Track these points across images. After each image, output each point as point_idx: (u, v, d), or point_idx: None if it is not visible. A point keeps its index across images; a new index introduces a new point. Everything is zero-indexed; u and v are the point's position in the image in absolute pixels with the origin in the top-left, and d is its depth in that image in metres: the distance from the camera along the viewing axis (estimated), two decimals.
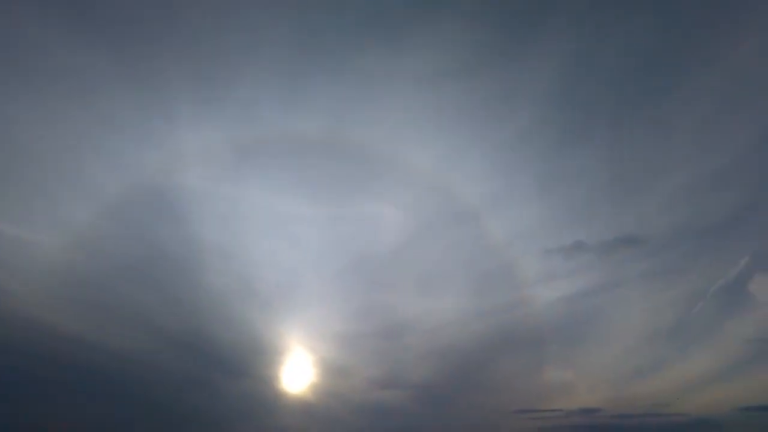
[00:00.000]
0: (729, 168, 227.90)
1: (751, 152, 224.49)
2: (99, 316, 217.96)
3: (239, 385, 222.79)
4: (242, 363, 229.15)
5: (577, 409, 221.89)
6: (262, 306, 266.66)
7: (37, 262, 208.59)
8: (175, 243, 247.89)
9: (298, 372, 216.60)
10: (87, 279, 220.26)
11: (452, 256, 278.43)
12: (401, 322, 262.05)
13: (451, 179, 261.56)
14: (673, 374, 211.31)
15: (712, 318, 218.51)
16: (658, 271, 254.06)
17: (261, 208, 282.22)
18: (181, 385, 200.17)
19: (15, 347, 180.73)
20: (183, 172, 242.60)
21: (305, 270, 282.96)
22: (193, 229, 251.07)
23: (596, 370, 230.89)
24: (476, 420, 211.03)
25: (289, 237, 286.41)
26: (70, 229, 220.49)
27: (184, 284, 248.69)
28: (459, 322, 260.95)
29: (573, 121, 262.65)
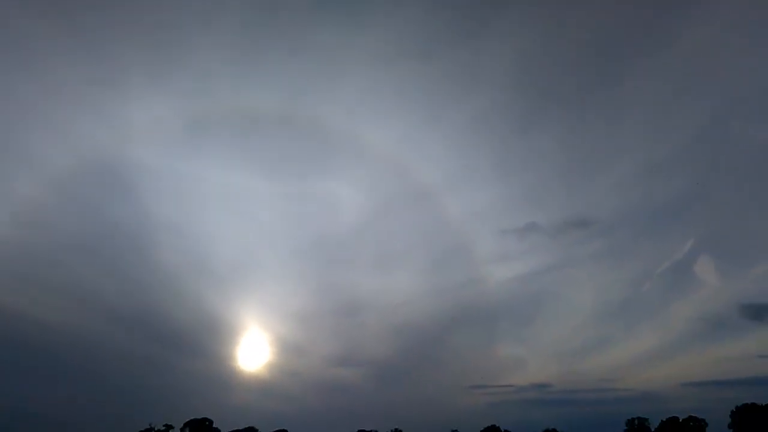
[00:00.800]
0: (678, 154, 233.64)
1: (699, 139, 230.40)
2: (47, 293, 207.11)
3: (194, 363, 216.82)
4: (196, 342, 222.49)
5: (528, 385, 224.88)
6: (217, 284, 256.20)
7: None
8: (126, 219, 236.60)
9: (254, 351, 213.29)
10: (34, 255, 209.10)
11: (409, 236, 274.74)
12: (358, 300, 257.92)
13: (409, 159, 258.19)
14: (620, 351, 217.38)
15: (658, 297, 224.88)
16: (608, 252, 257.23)
17: (215, 184, 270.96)
18: (133, 363, 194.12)
19: None
20: (134, 145, 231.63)
21: (261, 248, 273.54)
22: (144, 204, 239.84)
23: (547, 347, 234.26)
24: (431, 395, 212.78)
25: (244, 214, 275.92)
26: (15, 203, 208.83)
27: (136, 261, 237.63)
28: (415, 300, 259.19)
29: (530, 104, 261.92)
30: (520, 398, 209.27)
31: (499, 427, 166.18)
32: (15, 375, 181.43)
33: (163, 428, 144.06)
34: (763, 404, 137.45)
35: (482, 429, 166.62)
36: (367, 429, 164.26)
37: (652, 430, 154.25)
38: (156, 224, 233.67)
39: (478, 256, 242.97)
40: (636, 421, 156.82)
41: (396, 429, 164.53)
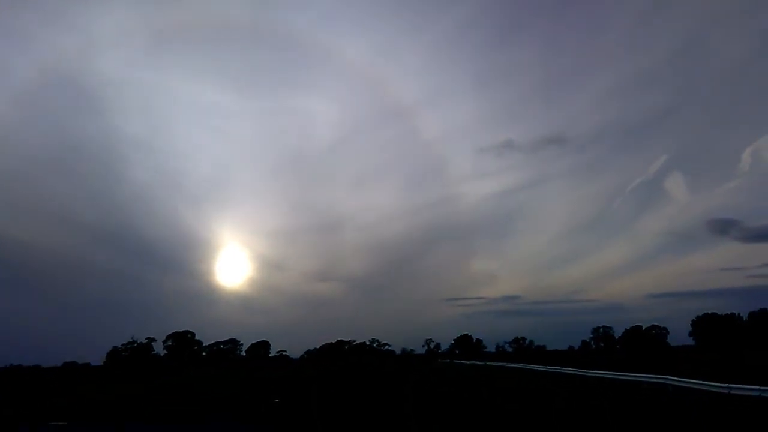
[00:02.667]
0: (655, 69, 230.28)
1: (677, 55, 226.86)
2: (18, 210, 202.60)
3: (172, 279, 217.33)
4: (174, 258, 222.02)
5: (499, 297, 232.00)
6: (191, 201, 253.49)
7: None
8: (93, 134, 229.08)
9: (234, 267, 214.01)
10: (2, 172, 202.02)
11: (387, 153, 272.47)
12: (336, 217, 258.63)
13: (386, 72, 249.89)
14: (588, 265, 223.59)
15: (628, 213, 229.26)
16: (582, 168, 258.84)
17: (184, 97, 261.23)
18: (110, 279, 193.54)
19: None
20: (98, 56, 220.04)
21: (236, 165, 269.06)
22: (111, 119, 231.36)
23: (519, 262, 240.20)
24: (408, 308, 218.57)
25: (216, 130, 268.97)
26: None
27: (106, 178, 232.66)
28: (393, 216, 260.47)
29: (511, 15, 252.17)
30: (491, 309, 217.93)
31: (471, 336, 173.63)
32: None
33: (146, 341, 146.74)
34: (723, 314, 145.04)
35: (455, 338, 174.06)
36: (346, 340, 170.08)
37: (616, 338, 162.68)
38: (124, 139, 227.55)
39: (454, 174, 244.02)
40: (601, 330, 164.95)
41: (374, 339, 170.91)
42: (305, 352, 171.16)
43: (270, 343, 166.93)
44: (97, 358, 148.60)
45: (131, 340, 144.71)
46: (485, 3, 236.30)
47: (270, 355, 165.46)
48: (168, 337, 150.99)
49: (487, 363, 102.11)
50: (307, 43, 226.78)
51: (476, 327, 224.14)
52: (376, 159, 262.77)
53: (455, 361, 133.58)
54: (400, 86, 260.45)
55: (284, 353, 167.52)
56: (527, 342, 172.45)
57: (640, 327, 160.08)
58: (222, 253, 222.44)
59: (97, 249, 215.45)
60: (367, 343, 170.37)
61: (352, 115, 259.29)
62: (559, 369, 60.90)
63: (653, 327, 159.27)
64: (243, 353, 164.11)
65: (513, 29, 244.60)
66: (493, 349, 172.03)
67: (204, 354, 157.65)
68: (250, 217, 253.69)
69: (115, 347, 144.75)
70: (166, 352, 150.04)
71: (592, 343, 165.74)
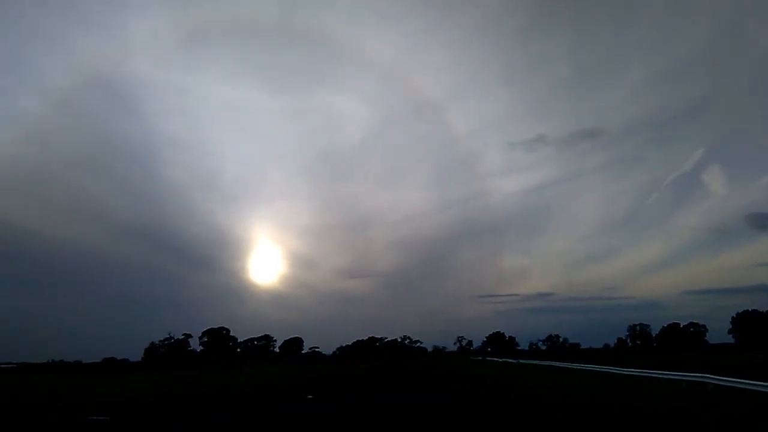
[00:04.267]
0: (689, 60, 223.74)
1: (711, 45, 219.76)
2: (53, 210, 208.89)
3: (208, 276, 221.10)
4: (209, 255, 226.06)
5: (532, 294, 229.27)
6: (225, 200, 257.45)
7: None
8: (130, 134, 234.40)
9: (266, 264, 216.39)
10: (40, 172, 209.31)
11: (416, 149, 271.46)
12: (366, 214, 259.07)
13: (414, 69, 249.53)
14: (624, 260, 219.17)
15: (664, 208, 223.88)
16: (615, 163, 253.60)
17: (216, 97, 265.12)
18: (147, 276, 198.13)
19: None
20: (134, 58, 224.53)
21: (268, 164, 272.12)
22: (148, 120, 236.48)
23: (552, 258, 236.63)
24: (439, 305, 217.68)
25: (249, 129, 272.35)
26: (19, 120, 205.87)
27: (143, 177, 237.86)
28: (423, 213, 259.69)
29: (540, 7, 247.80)
30: (524, 306, 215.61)
31: (503, 334, 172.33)
32: (29, 290, 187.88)
33: (182, 337, 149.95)
34: (764, 311, 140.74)
35: (488, 335, 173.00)
36: (377, 336, 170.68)
37: (653, 335, 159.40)
38: (161, 139, 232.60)
39: (485, 169, 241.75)
40: (638, 328, 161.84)
41: (405, 336, 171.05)
42: (337, 349, 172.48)
43: (303, 339, 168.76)
44: (135, 354, 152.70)
45: (168, 336, 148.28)
46: None
47: (303, 351, 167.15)
48: (204, 333, 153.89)
49: (520, 361, 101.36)
50: (336, 41, 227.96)
51: (509, 324, 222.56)
52: (406, 155, 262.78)
53: (487, 358, 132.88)
54: (429, 81, 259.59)
55: (317, 350, 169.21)
56: (561, 339, 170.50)
57: (678, 324, 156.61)
58: (255, 250, 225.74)
59: (133, 247, 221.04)
60: (399, 340, 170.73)
61: (381, 112, 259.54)
62: (595, 367, 60.06)
63: (691, 324, 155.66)
64: (276, 349, 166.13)
65: (542, 20, 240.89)
66: (527, 347, 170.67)
67: (239, 350, 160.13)
68: (282, 215, 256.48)
69: (152, 343, 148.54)
70: (201, 348, 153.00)
71: (629, 340, 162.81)
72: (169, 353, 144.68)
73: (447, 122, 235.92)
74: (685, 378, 37.79)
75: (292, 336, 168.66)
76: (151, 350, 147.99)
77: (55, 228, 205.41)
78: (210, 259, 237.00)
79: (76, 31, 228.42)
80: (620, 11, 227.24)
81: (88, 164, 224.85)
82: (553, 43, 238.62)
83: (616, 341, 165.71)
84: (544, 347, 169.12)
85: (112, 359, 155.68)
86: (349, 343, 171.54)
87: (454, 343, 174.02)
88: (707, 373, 35.69)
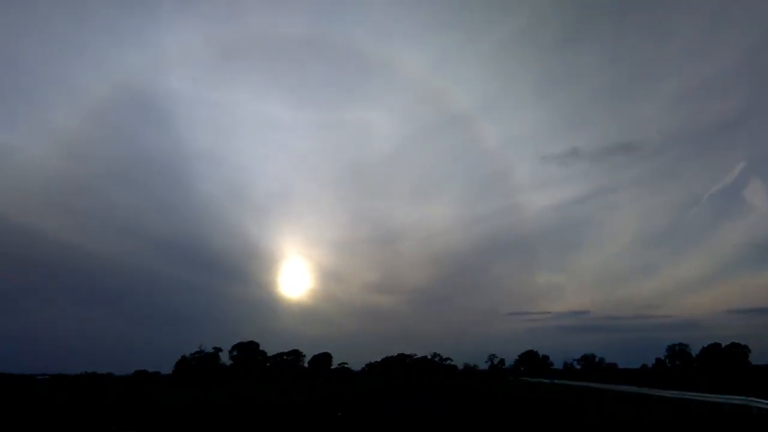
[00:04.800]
0: (730, 71, 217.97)
1: (750, 55, 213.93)
2: (87, 221, 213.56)
3: (238, 289, 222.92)
4: (239, 269, 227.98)
5: (566, 311, 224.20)
6: (255, 213, 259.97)
7: (23, 169, 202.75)
8: (162, 148, 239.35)
9: (295, 277, 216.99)
10: (76, 185, 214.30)
11: (446, 163, 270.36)
12: (395, 228, 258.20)
13: (444, 82, 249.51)
14: (662, 278, 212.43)
15: (705, 223, 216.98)
16: (653, 176, 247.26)
17: (247, 112, 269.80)
18: (178, 289, 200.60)
19: (4, 253, 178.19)
20: (166, 73, 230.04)
21: (297, 177, 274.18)
22: (179, 133, 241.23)
23: (587, 274, 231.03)
24: (470, 322, 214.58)
25: (278, 143, 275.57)
26: (54, 134, 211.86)
27: (174, 190, 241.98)
28: (453, 228, 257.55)
29: (572, 20, 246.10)
30: (558, 324, 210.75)
31: (536, 352, 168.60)
32: (62, 301, 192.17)
33: (213, 350, 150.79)
34: None
35: (520, 354, 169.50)
36: (407, 353, 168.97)
37: (693, 356, 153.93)
38: (192, 153, 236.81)
39: (517, 184, 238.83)
40: (677, 348, 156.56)
41: (435, 353, 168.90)
42: (366, 365, 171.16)
43: (332, 354, 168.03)
44: (166, 367, 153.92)
45: (199, 349, 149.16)
46: (542, 11, 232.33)
47: (332, 367, 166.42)
48: (234, 347, 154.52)
49: (555, 381, 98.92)
50: (365, 56, 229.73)
51: (542, 343, 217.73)
52: (435, 169, 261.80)
53: (520, 378, 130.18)
54: (459, 95, 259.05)
55: (345, 365, 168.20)
56: (597, 359, 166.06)
57: (719, 345, 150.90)
58: (284, 263, 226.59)
59: (165, 259, 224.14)
60: (429, 357, 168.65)
61: (410, 126, 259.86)
62: (632, 389, 57.91)
63: (733, 345, 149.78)
64: (305, 364, 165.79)
65: (576, 33, 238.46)
66: (561, 366, 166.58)
67: (268, 364, 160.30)
68: (311, 228, 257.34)
69: (183, 356, 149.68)
70: (231, 362, 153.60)
71: (667, 361, 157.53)
72: (199, 367, 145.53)
73: (478, 136, 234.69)
74: (728, 401, 35.96)
75: (320, 351, 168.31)
76: (182, 363, 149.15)
77: (89, 240, 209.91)
78: (240, 272, 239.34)
79: (111, 46, 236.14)
80: (656, 22, 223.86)
81: (122, 177, 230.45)
82: (587, 56, 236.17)
83: (654, 361, 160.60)
84: (578, 367, 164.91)
85: (144, 372, 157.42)
86: (378, 360, 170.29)
87: (486, 361, 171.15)
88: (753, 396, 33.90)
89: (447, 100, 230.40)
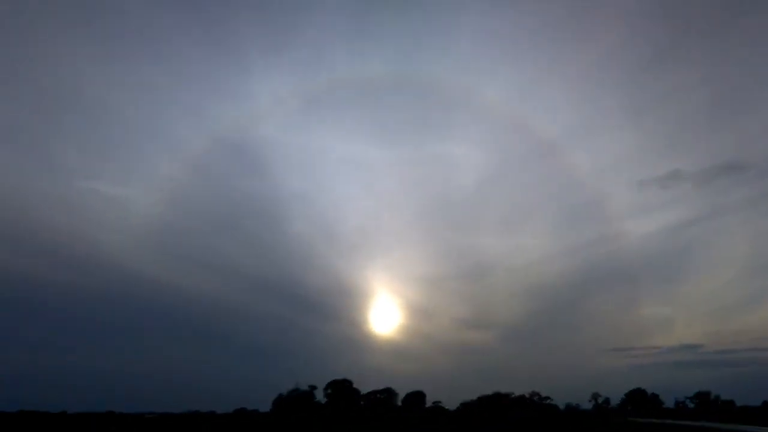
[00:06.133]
0: None
1: None
2: (189, 264, 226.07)
3: (330, 327, 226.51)
4: (331, 306, 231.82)
5: (676, 346, 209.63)
6: (345, 251, 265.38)
7: (132, 217, 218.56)
8: (258, 192, 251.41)
9: (385, 314, 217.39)
10: (178, 231, 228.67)
11: (535, 193, 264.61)
12: (485, 261, 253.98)
13: (529, 110, 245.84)
14: None
15: None
16: (764, 197, 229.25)
17: (336, 153, 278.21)
18: (273, 327, 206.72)
19: (113, 297, 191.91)
20: (259, 121, 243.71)
21: (385, 213, 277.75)
22: (273, 177, 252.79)
23: (696, 305, 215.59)
24: (569, 358, 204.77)
25: (365, 182, 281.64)
26: (160, 184, 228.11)
27: (270, 231, 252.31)
28: (545, 260, 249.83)
29: (665, 36, 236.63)
30: (667, 360, 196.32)
31: (645, 390, 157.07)
32: (167, 341, 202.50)
33: (308, 388, 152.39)
34: None
35: (627, 392, 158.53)
36: (502, 391, 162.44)
37: None
38: (285, 195, 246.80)
39: (613, 211, 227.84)
40: None
41: (534, 392, 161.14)
42: (461, 404, 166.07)
43: (425, 393, 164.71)
44: (264, 404, 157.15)
45: (295, 387, 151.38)
46: (633, 26, 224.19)
47: (426, 405, 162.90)
48: (328, 385, 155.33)
49: (666, 421, 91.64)
50: (446, 90, 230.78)
51: (650, 380, 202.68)
52: (524, 200, 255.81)
53: (629, 418, 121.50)
54: (546, 122, 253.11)
55: (439, 404, 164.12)
56: (712, 397, 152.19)
57: None
58: (373, 300, 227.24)
59: (260, 298, 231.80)
60: (527, 396, 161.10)
61: (495, 157, 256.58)
62: (754, 429, 51.74)
63: None
64: (399, 403, 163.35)
65: (670, 50, 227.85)
66: (672, 405, 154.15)
67: (362, 402, 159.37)
68: (399, 264, 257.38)
69: (280, 394, 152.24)
70: (326, 399, 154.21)
71: None
72: (295, 405, 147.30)
73: (567, 163, 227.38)
74: None
75: (413, 389, 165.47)
76: (280, 401, 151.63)
77: (192, 282, 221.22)
78: (331, 309, 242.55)
79: (209, 100, 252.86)
80: (756, 34, 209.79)
81: (221, 222, 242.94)
82: (684, 73, 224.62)
83: None
84: (692, 405, 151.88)
85: (243, 409, 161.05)
86: (474, 398, 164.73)
87: (589, 401, 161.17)
88: None
89: (532, 128, 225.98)
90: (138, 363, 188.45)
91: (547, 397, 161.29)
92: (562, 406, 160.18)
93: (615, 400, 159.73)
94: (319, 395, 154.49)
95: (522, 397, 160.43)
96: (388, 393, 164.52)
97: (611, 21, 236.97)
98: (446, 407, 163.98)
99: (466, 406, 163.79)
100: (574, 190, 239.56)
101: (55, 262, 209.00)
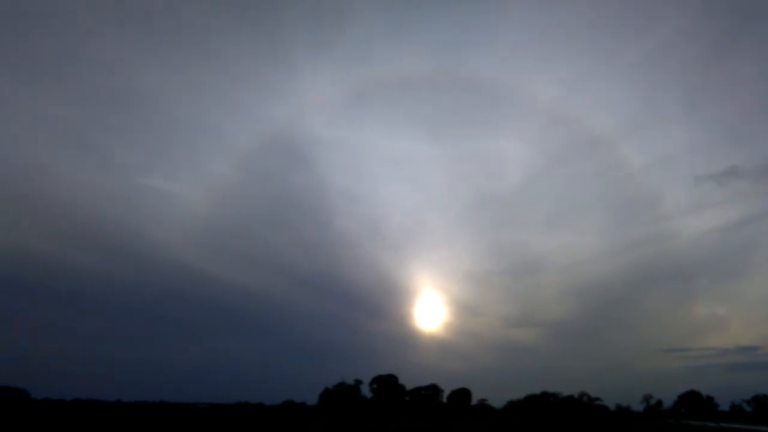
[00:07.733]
0: None
1: None
2: (240, 260, 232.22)
3: (376, 323, 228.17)
4: (376, 303, 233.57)
5: (732, 347, 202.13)
6: (390, 247, 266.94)
7: (183, 213, 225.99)
8: (304, 189, 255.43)
9: (430, 311, 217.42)
10: (228, 227, 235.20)
11: (585, 188, 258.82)
12: (533, 259, 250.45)
13: (579, 104, 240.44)
14: None
15: None
16: None
17: (381, 150, 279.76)
18: (321, 322, 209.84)
19: (168, 291, 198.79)
20: (305, 119, 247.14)
21: (430, 210, 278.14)
22: (320, 174, 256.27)
23: (753, 305, 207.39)
24: (620, 359, 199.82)
25: (410, 178, 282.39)
26: (210, 181, 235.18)
27: (316, 227, 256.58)
28: (595, 257, 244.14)
29: (725, 27, 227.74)
30: (723, 362, 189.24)
31: (699, 393, 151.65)
32: (218, 334, 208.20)
33: (353, 383, 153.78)
34: None
35: (680, 394, 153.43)
36: (550, 391, 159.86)
37: None
38: (331, 192, 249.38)
39: (667, 207, 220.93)
40: None
41: (583, 392, 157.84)
42: (508, 403, 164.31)
43: (470, 391, 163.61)
44: (311, 397, 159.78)
45: (341, 381, 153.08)
46: (690, 20, 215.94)
47: (471, 403, 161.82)
48: (373, 380, 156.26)
49: (721, 425, 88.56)
50: (494, 85, 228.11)
51: (704, 382, 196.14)
52: (574, 196, 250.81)
53: (681, 421, 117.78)
54: (598, 117, 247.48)
55: (486, 402, 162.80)
56: None
57: None
58: (419, 297, 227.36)
59: (308, 293, 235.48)
60: (576, 396, 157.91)
61: (544, 153, 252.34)
62: None
63: None
64: (444, 400, 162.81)
65: (727, 43, 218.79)
66: (728, 408, 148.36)
67: (407, 398, 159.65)
68: (445, 261, 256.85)
69: (326, 388, 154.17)
70: (372, 394, 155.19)
71: None
72: (341, 399, 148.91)
73: (620, 158, 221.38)
74: None
75: (458, 386, 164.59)
76: (326, 395, 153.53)
77: (240, 277, 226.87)
78: (377, 305, 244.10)
79: (258, 99, 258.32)
80: None
81: (269, 218, 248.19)
82: (741, 66, 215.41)
83: None
84: (749, 409, 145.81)
85: (291, 402, 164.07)
86: (521, 398, 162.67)
87: (640, 402, 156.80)
88: None
89: (584, 122, 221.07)
90: (189, 355, 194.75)
91: (597, 398, 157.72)
92: (612, 407, 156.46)
93: (668, 403, 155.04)
94: (365, 390, 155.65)
95: (570, 397, 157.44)
96: (434, 389, 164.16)
97: (668, 12, 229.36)
98: (493, 405, 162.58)
99: (513, 405, 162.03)
100: (625, 186, 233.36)
101: (112, 257, 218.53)
